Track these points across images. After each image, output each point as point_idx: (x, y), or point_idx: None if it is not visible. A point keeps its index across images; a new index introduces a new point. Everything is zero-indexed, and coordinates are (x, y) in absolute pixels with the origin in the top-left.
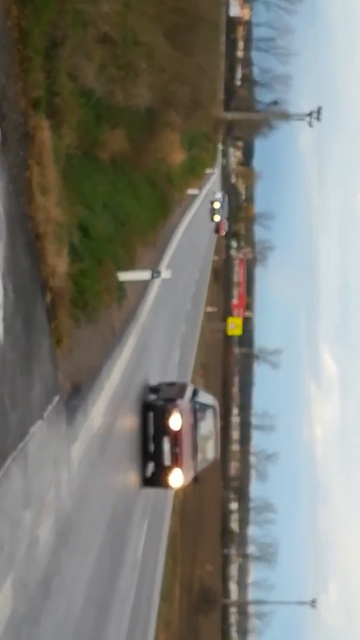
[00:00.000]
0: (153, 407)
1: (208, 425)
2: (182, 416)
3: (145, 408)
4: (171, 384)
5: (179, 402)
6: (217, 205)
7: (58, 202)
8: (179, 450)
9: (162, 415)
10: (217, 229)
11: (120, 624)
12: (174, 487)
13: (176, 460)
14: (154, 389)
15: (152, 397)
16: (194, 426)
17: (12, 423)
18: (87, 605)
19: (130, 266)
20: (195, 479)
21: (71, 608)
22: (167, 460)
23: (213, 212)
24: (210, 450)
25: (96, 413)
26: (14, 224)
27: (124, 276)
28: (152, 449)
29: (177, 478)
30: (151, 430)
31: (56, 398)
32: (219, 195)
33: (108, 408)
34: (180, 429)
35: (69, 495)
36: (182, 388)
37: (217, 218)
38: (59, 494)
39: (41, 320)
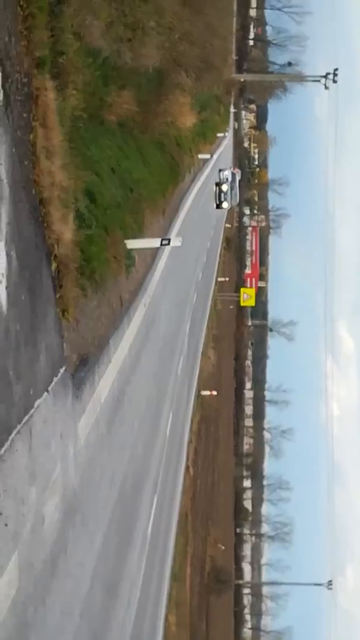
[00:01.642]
0: (218, 184)
1: (235, 191)
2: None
3: (216, 184)
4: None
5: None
6: (224, 187)
7: (63, 167)
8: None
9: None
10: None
11: (129, 605)
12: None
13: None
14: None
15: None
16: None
17: (16, 396)
18: (94, 585)
19: (138, 234)
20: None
21: (78, 588)
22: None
23: (219, 196)
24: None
25: (104, 386)
26: (18, 188)
27: (133, 244)
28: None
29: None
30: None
31: (62, 370)
32: (227, 173)
33: (115, 381)
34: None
35: (75, 471)
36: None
37: (225, 205)
38: (65, 469)
39: (46, 289)
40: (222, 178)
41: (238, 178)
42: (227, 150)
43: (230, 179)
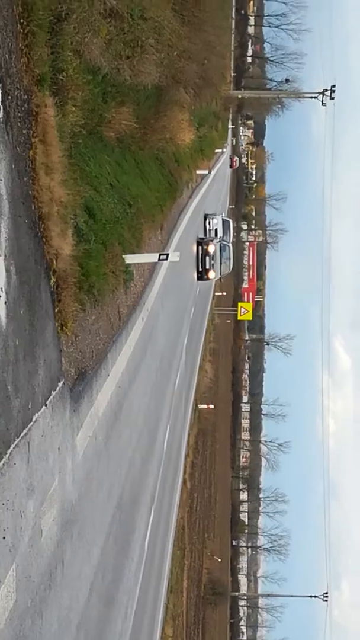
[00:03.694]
0: (202, 242)
1: (227, 253)
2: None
3: (198, 244)
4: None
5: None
6: (211, 248)
7: (63, 182)
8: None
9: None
10: (230, 163)
11: (127, 617)
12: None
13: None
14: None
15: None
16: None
17: (15, 409)
18: (92, 597)
19: (137, 249)
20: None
21: (76, 600)
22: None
23: (204, 261)
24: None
25: (101, 400)
26: (18, 204)
27: (131, 259)
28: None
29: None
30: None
31: (60, 384)
32: (216, 221)
33: (113, 395)
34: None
35: (73, 485)
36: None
37: (211, 275)
38: (63, 483)
39: (45, 303)
40: (208, 229)
41: (232, 228)
42: (225, 165)
43: (220, 232)
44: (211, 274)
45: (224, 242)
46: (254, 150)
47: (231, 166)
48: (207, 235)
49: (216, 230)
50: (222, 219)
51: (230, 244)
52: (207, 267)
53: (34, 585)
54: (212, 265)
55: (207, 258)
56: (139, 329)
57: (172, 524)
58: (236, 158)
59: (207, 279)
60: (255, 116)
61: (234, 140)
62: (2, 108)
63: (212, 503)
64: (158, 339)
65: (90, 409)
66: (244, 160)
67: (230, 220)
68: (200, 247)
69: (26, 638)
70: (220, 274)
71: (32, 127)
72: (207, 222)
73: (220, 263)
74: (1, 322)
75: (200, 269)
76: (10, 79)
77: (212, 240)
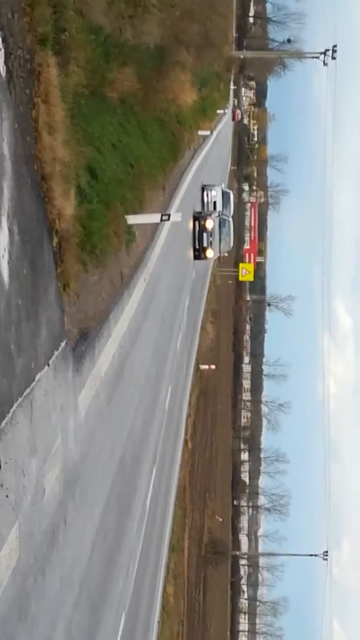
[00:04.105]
0: (199, 217)
1: (227, 229)
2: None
3: (194, 218)
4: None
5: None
6: (210, 223)
7: (65, 143)
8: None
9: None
10: (233, 116)
11: (128, 576)
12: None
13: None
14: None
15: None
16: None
17: (17, 369)
18: (94, 556)
19: (139, 209)
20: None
21: (78, 559)
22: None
23: (200, 238)
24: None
25: (104, 360)
26: (20, 164)
27: (133, 219)
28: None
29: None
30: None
31: (63, 344)
32: (214, 193)
33: (116, 355)
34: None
35: (75, 444)
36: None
37: (210, 254)
38: (66, 442)
39: (48, 264)
40: (206, 201)
41: (232, 201)
42: (226, 126)
43: (219, 205)
44: (209, 253)
45: (224, 217)
46: (255, 111)
47: (233, 119)
48: (205, 209)
49: (215, 203)
50: (222, 191)
51: (230, 219)
52: (205, 244)
53: (37, 544)
54: (211, 242)
55: (205, 235)
56: (141, 290)
57: (173, 484)
58: (238, 111)
59: (205, 258)
60: (257, 77)
61: (236, 101)
62: (4, 67)
63: (213, 463)
64: (160, 300)
65: (92, 368)
66: (245, 121)
67: (230, 192)
68: (197, 223)
69: (29, 596)
70: (220, 252)
71: (35, 87)
72: (205, 194)
73: (220, 240)
74: (4, 281)
75: (197, 247)
76: (13, 38)
77: (210, 215)
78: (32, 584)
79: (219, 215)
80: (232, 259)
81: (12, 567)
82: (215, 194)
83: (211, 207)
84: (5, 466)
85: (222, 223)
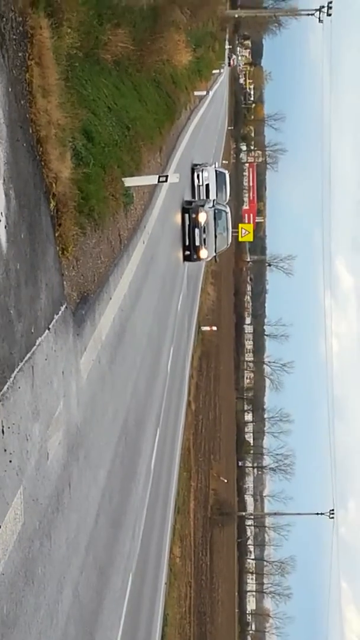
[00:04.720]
0: (189, 209)
1: (224, 222)
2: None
3: (184, 211)
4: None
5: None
6: (202, 217)
7: (60, 105)
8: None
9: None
10: (229, 62)
11: (134, 538)
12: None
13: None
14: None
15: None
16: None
17: (18, 334)
18: (99, 519)
19: (136, 172)
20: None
21: (83, 522)
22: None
23: (192, 236)
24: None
25: (104, 323)
26: (15, 127)
27: (130, 182)
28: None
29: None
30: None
31: (63, 308)
32: (207, 174)
33: (116, 318)
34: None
35: (78, 408)
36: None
37: (203, 254)
38: (68, 406)
39: (45, 227)
40: (197, 185)
41: (228, 183)
42: (222, 86)
43: (213, 188)
44: (203, 253)
45: (219, 207)
46: (251, 70)
47: (229, 65)
48: (197, 197)
49: (207, 186)
50: (215, 171)
51: (227, 208)
52: (197, 243)
53: (42, 508)
54: (204, 240)
55: (197, 231)
56: (140, 252)
57: (177, 446)
58: (234, 56)
59: (198, 259)
60: (253, 36)
61: (232, 61)
62: None
63: (217, 424)
64: (159, 262)
65: (93, 332)
66: (241, 81)
67: (225, 172)
68: (187, 216)
69: (35, 560)
70: (216, 251)
71: (28, 50)
72: (196, 175)
73: (215, 236)
74: (2, 246)
75: (188, 246)
76: (3, 1)
77: (202, 206)
78: (38, 547)
79: (213, 206)
80: (232, 220)
81: (18, 532)
82: (207, 176)
83: (203, 192)
84: (7, 431)
85: (217, 215)
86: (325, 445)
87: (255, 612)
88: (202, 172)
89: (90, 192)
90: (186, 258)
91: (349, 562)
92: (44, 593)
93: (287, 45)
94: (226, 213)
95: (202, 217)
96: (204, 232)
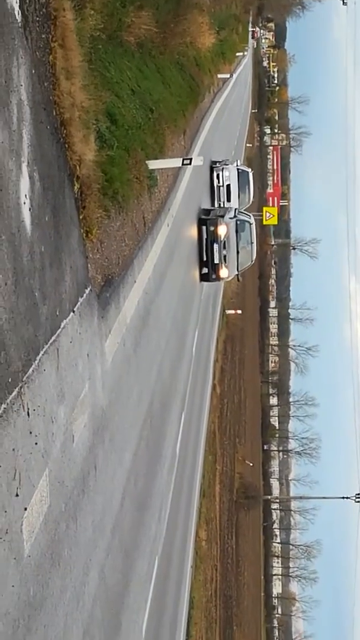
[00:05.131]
0: (207, 221)
1: (247, 234)
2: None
3: (200, 222)
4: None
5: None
6: (222, 229)
7: (84, 87)
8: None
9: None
10: (252, 35)
11: (160, 521)
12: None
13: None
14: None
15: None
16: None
17: (42, 316)
18: (125, 501)
19: (160, 154)
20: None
21: (109, 504)
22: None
23: (211, 250)
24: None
25: (129, 306)
26: (39, 110)
27: (154, 164)
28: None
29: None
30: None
31: (87, 290)
32: (228, 173)
33: (141, 301)
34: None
35: (103, 391)
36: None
37: (223, 273)
38: (93, 389)
39: (70, 210)
40: (217, 186)
41: (252, 182)
42: (246, 69)
43: (234, 190)
44: (223, 272)
45: (241, 218)
46: (275, 53)
47: (252, 37)
48: (216, 203)
49: (228, 187)
50: (237, 170)
51: (250, 218)
52: (217, 260)
53: (68, 490)
54: (225, 257)
55: (216, 246)
56: (164, 235)
57: (202, 429)
58: (257, 29)
59: (218, 279)
60: (276, 18)
61: (255, 44)
62: (20, 12)
63: (242, 408)
64: (184, 245)
65: (117, 315)
66: (265, 63)
67: (249, 171)
68: (204, 229)
69: (61, 542)
70: (238, 269)
71: (51, 32)
72: (215, 175)
73: (237, 252)
74: (26, 229)
75: (206, 262)
76: None
77: (222, 217)
78: (64, 530)
79: (235, 216)
80: (256, 203)
81: (44, 514)
82: (228, 175)
83: (224, 194)
84: (33, 413)
85: (239, 227)
86: (351, 429)
87: (281, 596)
88: (222, 171)
89: (114, 175)
90: (203, 278)
91: None
92: (70, 575)
93: (311, 28)
94: (250, 224)
95: (221, 230)
96: (224, 247)
